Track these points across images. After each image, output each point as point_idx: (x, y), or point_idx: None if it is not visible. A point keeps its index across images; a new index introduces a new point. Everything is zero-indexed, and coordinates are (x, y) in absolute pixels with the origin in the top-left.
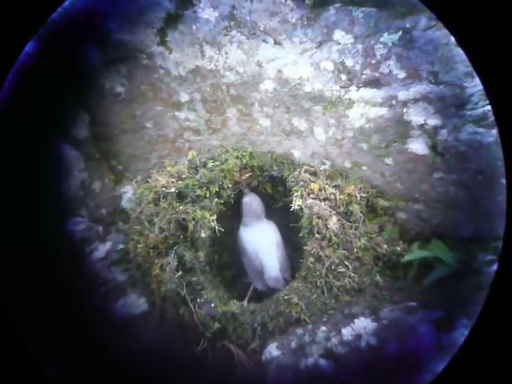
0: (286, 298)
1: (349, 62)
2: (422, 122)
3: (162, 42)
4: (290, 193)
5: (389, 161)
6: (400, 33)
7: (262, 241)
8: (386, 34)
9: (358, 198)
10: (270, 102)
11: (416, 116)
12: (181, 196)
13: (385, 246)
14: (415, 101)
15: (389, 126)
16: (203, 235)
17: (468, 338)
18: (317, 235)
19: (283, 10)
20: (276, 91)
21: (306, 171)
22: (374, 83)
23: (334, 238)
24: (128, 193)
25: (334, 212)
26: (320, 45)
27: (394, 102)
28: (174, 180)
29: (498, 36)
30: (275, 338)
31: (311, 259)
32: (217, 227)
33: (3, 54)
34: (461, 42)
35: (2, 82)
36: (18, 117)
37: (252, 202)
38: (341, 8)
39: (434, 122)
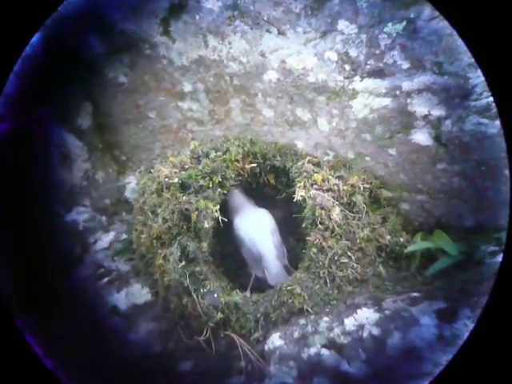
0: (288, 288)
1: (353, 53)
2: (426, 113)
3: (166, 32)
4: (293, 183)
5: (392, 151)
6: (404, 23)
7: (257, 230)
8: (390, 24)
9: (362, 188)
10: (273, 92)
11: (420, 107)
12: (184, 186)
13: (388, 237)
14: (419, 91)
15: (392, 116)
16: (206, 225)
17: (473, 330)
18: (320, 226)
19: None
20: (279, 81)
21: (309, 162)
22: (378, 73)
23: (336, 228)
24: (131, 183)
25: (337, 203)
26: (324, 35)
27: (397, 92)
28: (177, 170)
29: (499, 27)
30: (278, 328)
31: (314, 250)
32: (220, 217)
33: (8, 45)
34: (461, 34)
35: (8, 73)
36: (23, 107)
37: (232, 194)
38: None
39: (437, 112)
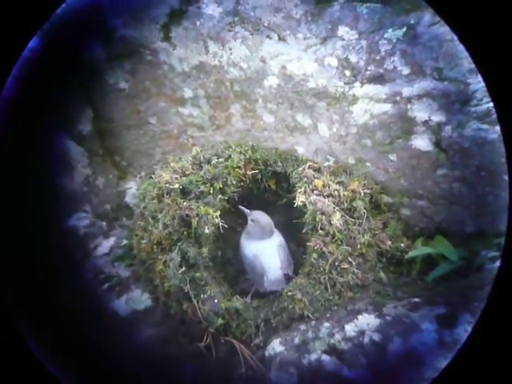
0: (289, 294)
1: (353, 58)
2: (426, 119)
3: (166, 38)
4: (294, 189)
5: (393, 157)
6: (404, 29)
7: (263, 248)
8: (390, 30)
9: (362, 194)
10: (273, 98)
11: (420, 112)
12: (184, 192)
13: (388, 243)
14: (419, 97)
15: (393, 122)
16: (207, 231)
17: (471, 335)
18: (320, 231)
19: (287, 5)
20: (280, 87)
21: (309, 167)
22: (378, 79)
23: (337, 234)
24: (132, 188)
25: (337, 208)
26: (324, 41)
27: (398, 98)
28: (177, 176)
29: (499, 33)
30: (279, 334)
31: (315, 255)
32: (220, 223)
33: (7, 49)
34: (462, 39)
35: (6, 78)
36: (22, 113)
37: (260, 220)
38: (345, 4)
39: (438, 118)
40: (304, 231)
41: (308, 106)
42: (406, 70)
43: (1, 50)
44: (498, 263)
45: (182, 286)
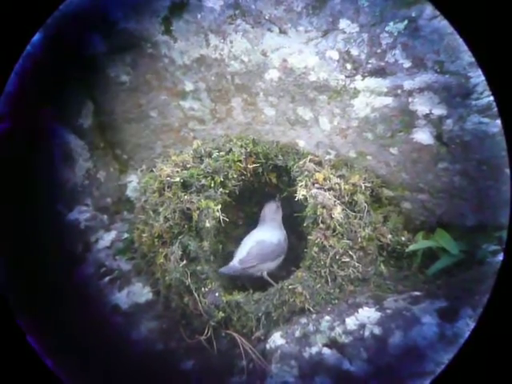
0: (290, 287)
1: (354, 51)
2: (428, 112)
3: (167, 31)
4: (295, 182)
5: (394, 150)
6: (406, 22)
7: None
8: (391, 23)
9: (363, 187)
10: (274, 91)
11: (421, 106)
12: (185, 185)
13: (389, 236)
14: (420, 90)
15: (394, 115)
16: (208, 225)
17: (474, 329)
18: (321, 225)
19: None
20: (281, 80)
21: (310, 161)
22: (380, 72)
23: (338, 227)
24: (133, 182)
25: (338, 202)
26: (325, 34)
27: (399, 91)
28: (178, 169)
29: (500, 26)
30: (279, 327)
31: (315, 249)
32: (221, 217)
33: (10, 45)
34: (462, 33)
35: (9, 73)
36: (24, 106)
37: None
38: None
39: (439, 111)
40: (305, 225)
41: (309, 99)
42: (407, 63)
43: (4, 45)
44: (499, 257)
45: (182, 280)
